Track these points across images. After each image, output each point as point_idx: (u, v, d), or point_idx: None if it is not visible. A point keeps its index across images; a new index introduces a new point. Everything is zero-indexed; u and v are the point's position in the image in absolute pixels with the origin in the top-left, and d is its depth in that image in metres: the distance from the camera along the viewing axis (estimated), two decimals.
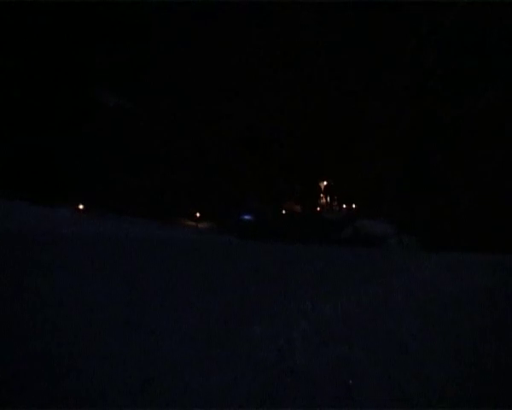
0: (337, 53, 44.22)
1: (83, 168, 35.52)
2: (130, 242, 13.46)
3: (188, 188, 41.04)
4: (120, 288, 6.49)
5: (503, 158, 37.22)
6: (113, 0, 38.71)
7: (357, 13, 42.78)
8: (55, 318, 4.86)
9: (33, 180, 30.96)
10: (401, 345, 4.40)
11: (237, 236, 32.39)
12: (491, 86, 38.70)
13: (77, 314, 5.06)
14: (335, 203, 55.78)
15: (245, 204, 44.38)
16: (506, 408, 3.27)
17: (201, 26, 43.57)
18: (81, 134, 36.53)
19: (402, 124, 44.24)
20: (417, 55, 42.79)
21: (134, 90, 42.03)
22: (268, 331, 4.72)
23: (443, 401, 3.30)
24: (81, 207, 32.80)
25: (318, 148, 47.01)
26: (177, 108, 42.83)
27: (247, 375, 3.61)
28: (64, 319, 4.84)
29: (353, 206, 51.83)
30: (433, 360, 4.01)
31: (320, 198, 54.42)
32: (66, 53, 37.74)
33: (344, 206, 54.89)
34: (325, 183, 53.23)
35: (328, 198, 55.41)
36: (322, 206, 54.56)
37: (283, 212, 49.13)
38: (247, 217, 43.98)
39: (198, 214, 40.60)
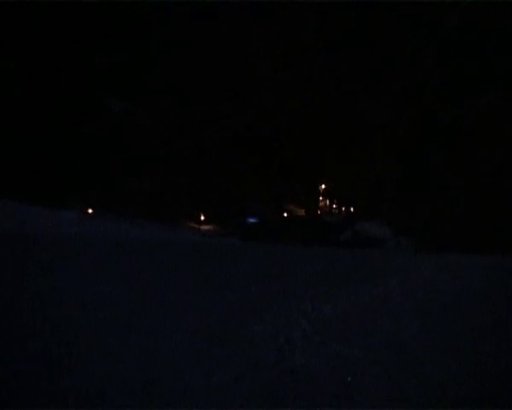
0: (337, 53, 44.22)
1: (83, 169, 35.53)
2: (131, 243, 13.48)
3: (188, 189, 41.06)
4: (121, 288, 6.50)
5: (502, 158, 37.25)
6: (113, 0, 38.71)
7: (357, 13, 42.78)
8: (56, 318, 4.87)
9: (33, 181, 30.97)
10: (400, 345, 4.42)
11: (240, 238, 32.62)
12: (491, 87, 38.71)
13: (77, 314, 5.07)
14: (335, 206, 56.42)
15: (248, 207, 44.61)
16: (505, 408, 3.28)
17: (201, 26, 43.58)
18: (81, 134, 36.54)
19: (402, 124, 44.27)
20: (417, 55, 42.79)
21: (134, 90, 42.04)
22: (268, 331, 4.73)
23: (442, 400, 3.32)
24: (90, 210, 32.83)
25: (318, 148, 47.06)
26: (177, 108, 42.84)
27: (247, 375, 3.62)
28: (64, 319, 4.85)
29: (352, 210, 52.56)
30: (432, 360, 4.03)
31: (320, 201, 54.94)
32: (66, 53, 37.74)
33: (343, 209, 55.49)
34: (324, 186, 53.71)
35: (328, 201, 55.97)
36: (322, 209, 55.08)
37: (285, 215, 49.47)
38: (251, 220, 44.32)
39: (202, 217, 40.80)
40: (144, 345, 4.16)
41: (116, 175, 37.55)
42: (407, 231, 38.10)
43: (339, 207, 56.16)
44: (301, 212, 51.85)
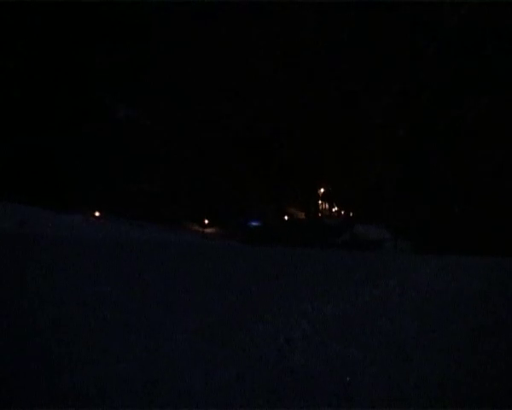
0: (337, 53, 44.22)
1: (83, 169, 35.54)
2: (132, 243, 13.49)
3: (188, 189, 41.07)
4: (121, 288, 6.51)
5: (502, 158, 37.28)
6: (113, 0, 38.72)
7: (357, 13, 42.78)
8: (56, 318, 4.88)
9: (33, 181, 30.97)
10: (400, 345, 4.43)
11: (242, 240, 32.91)
12: (491, 87, 38.72)
13: (77, 314, 5.08)
14: (334, 209, 56.81)
15: (249, 209, 44.81)
16: (505, 408, 3.29)
17: (201, 26, 43.58)
18: (81, 135, 36.55)
19: (401, 124, 44.29)
20: (417, 55, 42.79)
21: (134, 90, 42.05)
22: (268, 331, 4.74)
23: (441, 400, 3.32)
24: (97, 213, 32.83)
25: (318, 147, 47.09)
26: (177, 108, 42.84)
27: (247, 374, 3.63)
28: (64, 319, 4.86)
29: (351, 213, 52.89)
30: (431, 360, 4.04)
31: (319, 205, 55.27)
32: (66, 53, 37.74)
33: (342, 212, 55.80)
34: (323, 190, 53.99)
35: (327, 205, 56.32)
36: (321, 212, 55.45)
37: (286, 218, 49.66)
38: (254, 223, 44.64)
39: (206, 221, 40.94)
40: (144, 345, 4.16)
41: (116, 176, 37.55)
42: (405, 234, 38.28)
43: (338, 210, 56.54)
44: (302, 215, 52.07)
